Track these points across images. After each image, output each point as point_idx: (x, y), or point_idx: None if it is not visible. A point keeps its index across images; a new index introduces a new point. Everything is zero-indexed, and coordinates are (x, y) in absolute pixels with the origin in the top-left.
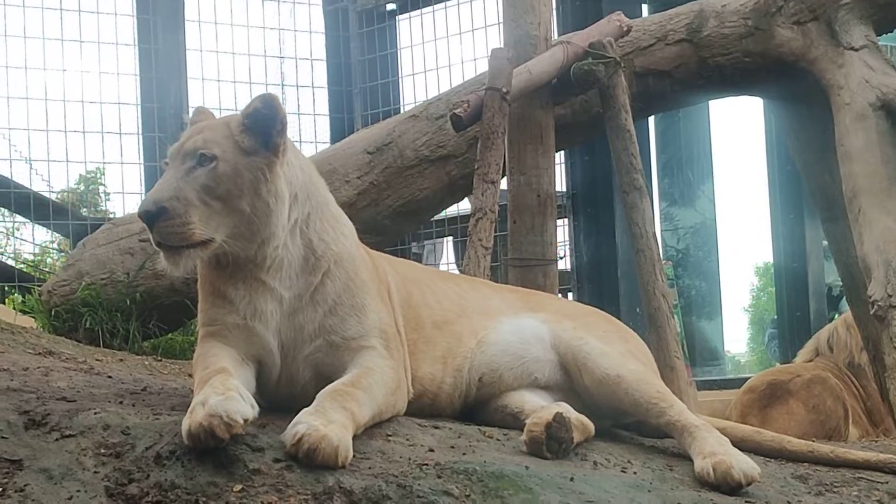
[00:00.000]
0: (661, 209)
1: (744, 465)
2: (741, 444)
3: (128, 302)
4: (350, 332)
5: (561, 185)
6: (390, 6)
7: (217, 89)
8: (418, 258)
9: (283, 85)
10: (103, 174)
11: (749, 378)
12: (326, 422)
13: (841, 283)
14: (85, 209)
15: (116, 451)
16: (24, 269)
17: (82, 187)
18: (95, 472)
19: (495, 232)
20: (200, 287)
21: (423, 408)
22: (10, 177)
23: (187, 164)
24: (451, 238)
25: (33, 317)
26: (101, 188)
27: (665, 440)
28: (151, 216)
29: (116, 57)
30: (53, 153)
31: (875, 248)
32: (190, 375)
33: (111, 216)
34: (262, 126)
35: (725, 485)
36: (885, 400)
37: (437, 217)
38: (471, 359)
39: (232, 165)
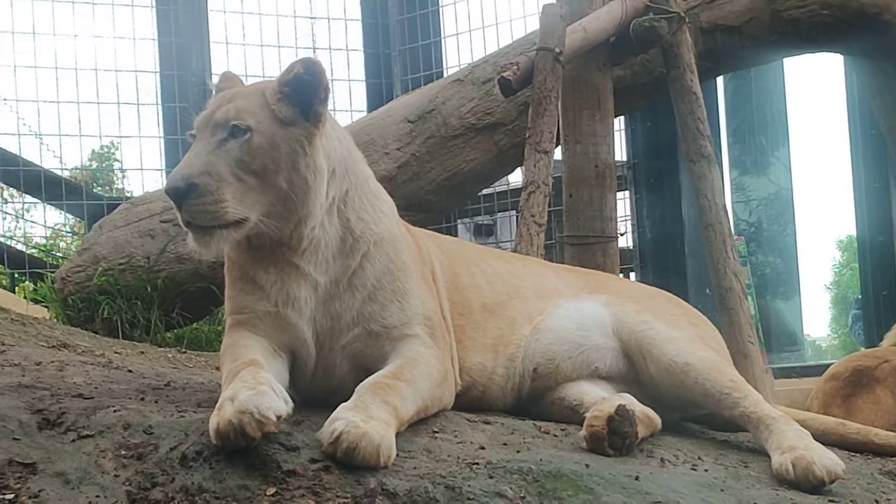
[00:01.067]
0: (732, 179)
1: (826, 460)
2: (823, 438)
3: (148, 289)
4: (391, 319)
5: (621, 154)
6: None
7: (242, 54)
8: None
9: (314, 48)
10: (118, 149)
11: (831, 364)
12: (367, 418)
13: None
14: (99, 188)
15: (138, 452)
16: (36, 255)
17: (95, 164)
18: (116, 475)
19: (549, 207)
20: (228, 271)
21: (473, 401)
22: (18, 153)
23: (218, 135)
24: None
25: (46, 306)
26: (117, 164)
27: (739, 434)
28: (181, 193)
29: (133, 20)
30: (65, 126)
31: None
32: (217, 368)
33: (129, 195)
34: (303, 94)
35: (806, 482)
36: None
37: (485, 191)
38: (525, 347)
39: (268, 137)
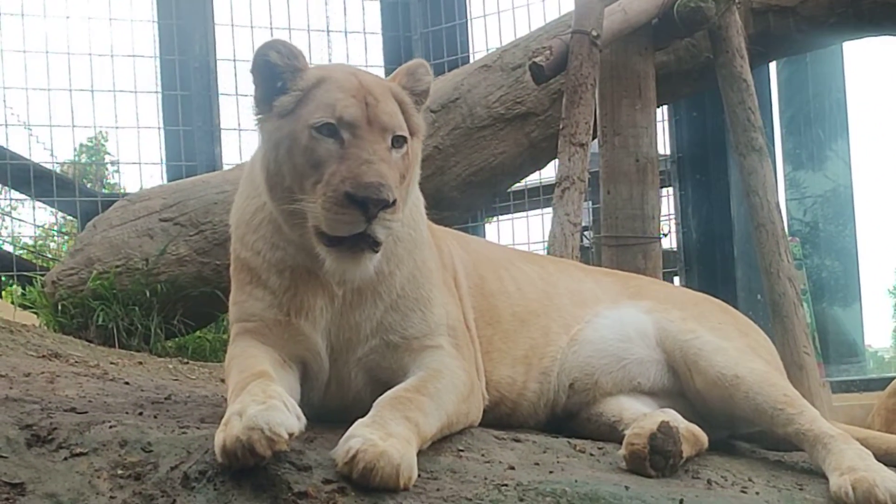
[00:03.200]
0: (786, 174)
1: (890, 482)
2: (886, 458)
3: (147, 293)
4: (412, 330)
5: (664, 147)
6: None
7: (250, 37)
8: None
9: (328, 31)
10: (107, 140)
11: (895, 378)
12: (385, 435)
13: None
14: (89, 184)
15: (136, 471)
16: (24, 256)
17: (84, 158)
18: (111, 497)
19: (592, 204)
20: (235, 274)
21: (502, 417)
22: (5, 145)
23: (386, 141)
24: None
25: (36, 312)
26: (108, 157)
27: (794, 454)
28: (387, 204)
29: (130, 1)
30: (56, 116)
31: None
32: (222, 381)
33: (123, 191)
34: (422, 102)
35: None
36: None
37: (515, 188)
38: (561, 360)
39: (413, 150)
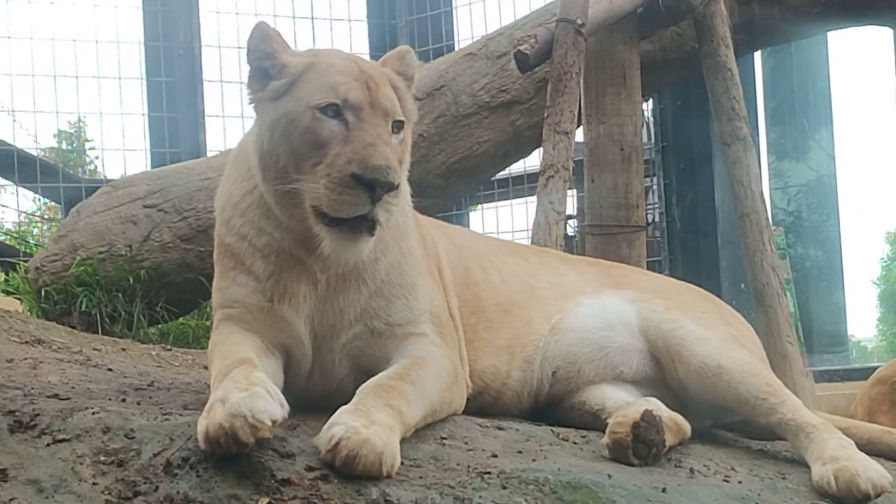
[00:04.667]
0: (770, 164)
1: (872, 472)
2: (869, 448)
3: (131, 280)
4: (396, 316)
5: (648, 136)
6: None
7: (235, 24)
8: None
9: (312, 18)
10: (86, 125)
11: (878, 367)
12: (368, 423)
13: None
14: (70, 171)
15: (119, 458)
16: (7, 242)
17: (65, 144)
18: (94, 483)
19: (577, 193)
20: (219, 259)
21: (485, 406)
22: None
23: (387, 126)
24: None
25: (19, 298)
26: (88, 144)
27: (776, 443)
28: (392, 186)
29: None
30: (40, 102)
31: None
32: (205, 367)
33: (104, 178)
34: (411, 88)
35: (850, 496)
36: None
37: (499, 176)
38: (543, 349)
39: (409, 136)
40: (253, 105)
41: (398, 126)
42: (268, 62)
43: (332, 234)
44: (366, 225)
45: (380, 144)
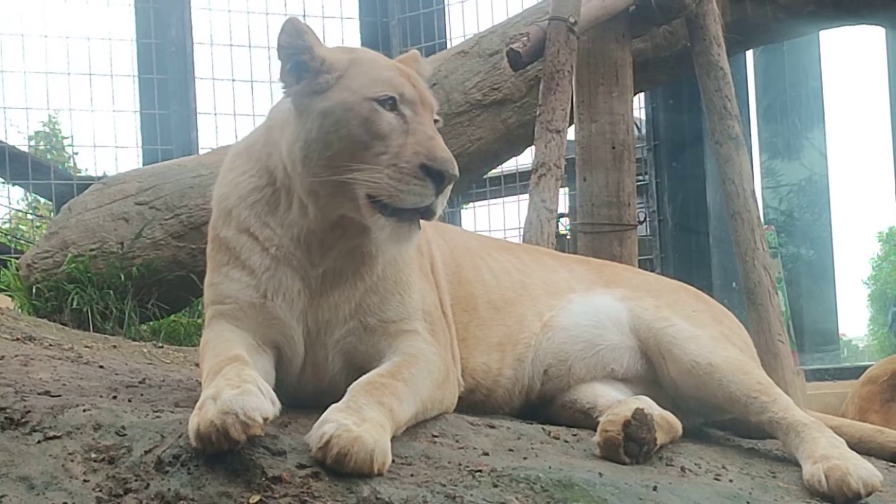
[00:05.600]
0: (762, 163)
1: (862, 471)
2: (859, 446)
3: (122, 277)
4: (390, 312)
5: (640, 134)
6: None
7: (227, 21)
8: None
9: (304, 16)
10: (58, 122)
11: (869, 367)
12: (360, 420)
13: None
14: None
15: (110, 455)
16: None
17: (43, 141)
18: (85, 480)
19: (568, 191)
20: (213, 255)
21: (476, 404)
22: None
23: (433, 123)
24: None
25: (10, 295)
26: (66, 141)
27: (767, 441)
28: (455, 178)
29: None
30: (31, 99)
31: None
32: (196, 365)
33: (81, 173)
34: None
35: (841, 495)
36: None
37: (491, 174)
38: (535, 347)
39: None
40: (290, 98)
41: (437, 122)
42: (306, 56)
43: (391, 224)
44: (418, 216)
45: (438, 138)
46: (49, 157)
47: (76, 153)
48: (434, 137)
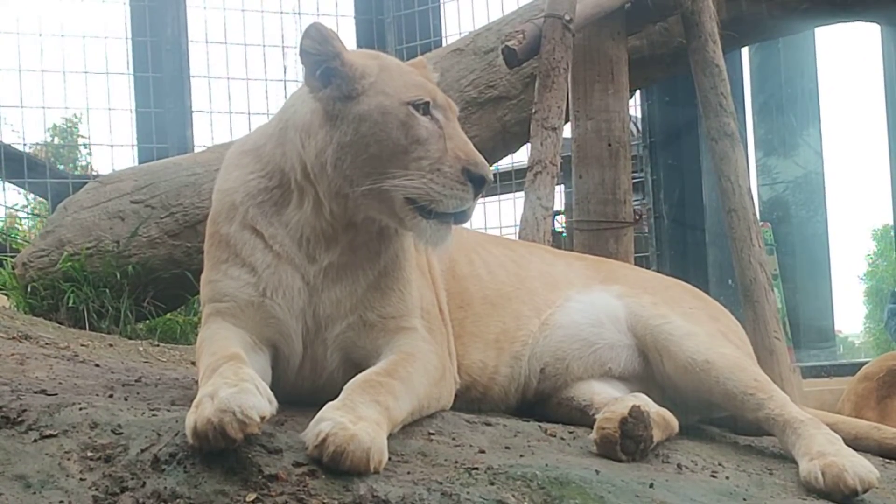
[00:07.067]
0: (758, 160)
1: (859, 468)
2: (856, 443)
3: (118, 276)
4: (389, 308)
5: (636, 129)
6: None
7: (222, 20)
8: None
9: (299, 13)
10: (80, 122)
11: (865, 363)
12: (356, 418)
13: None
14: (62, 166)
15: (106, 453)
16: None
17: (57, 140)
18: (81, 479)
19: (564, 189)
20: (211, 252)
21: (473, 401)
22: None
23: None
24: None
25: (6, 294)
26: (82, 140)
27: (763, 438)
28: (491, 183)
29: None
30: (27, 98)
31: None
32: (193, 363)
33: (95, 173)
34: None
35: (837, 492)
36: None
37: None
38: (532, 345)
39: None
40: (320, 103)
41: None
42: (336, 62)
43: (431, 227)
44: (458, 219)
45: (470, 143)
46: (62, 155)
47: (89, 153)
48: (469, 143)
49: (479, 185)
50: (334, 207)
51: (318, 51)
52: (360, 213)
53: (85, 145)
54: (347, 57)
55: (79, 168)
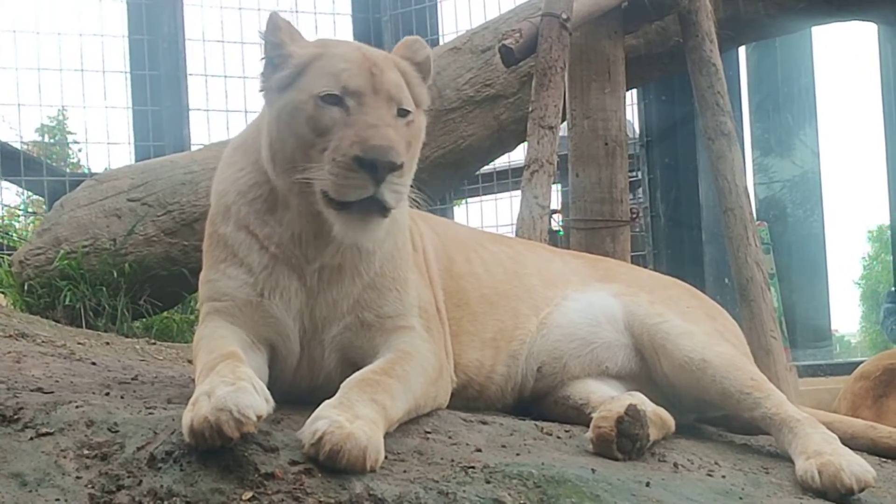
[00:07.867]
0: (754, 159)
1: (855, 467)
2: (852, 442)
3: (115, 274)
4: (387, 308)
5: (633, 130)
6: None
7: (219, 18)
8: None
9: (296, 12)
10: (67, 118)
11: (861, 363)
12: (352, 417)
13: None
14: (52, 163)
15: (102, 452)
16: None
17: (47, 137)
18: (77, 477)
19: (561, 188)
20: (210, 251)
21: (469, 400)
22: None
23: (392, 110)
24: None
25: (2, 292)
26: (71, 137)
27: (760, 437)
28: (394, 167)
29: None
30: (24, 95)
31: None
32: (190, 361)
33: (87, 171)
34: (426, 76)
35: (833, 490)
36: None
37: (484, 170)
38: (529, 344)
39: (418, 123)
40: (263, 94)
41: (403, 111)
42: (275, 52)
43: (342, 219)
44: (376, 207)
45: (381, 126)
46: (53, 152)
47: (80, 150)
48: (374, 125)
49: (372, 169)
50: (291, 203)
51: (269, 41)
52: (308, 208)
53: (76, 142)
54: (289, 49)
55: (70, 166)
